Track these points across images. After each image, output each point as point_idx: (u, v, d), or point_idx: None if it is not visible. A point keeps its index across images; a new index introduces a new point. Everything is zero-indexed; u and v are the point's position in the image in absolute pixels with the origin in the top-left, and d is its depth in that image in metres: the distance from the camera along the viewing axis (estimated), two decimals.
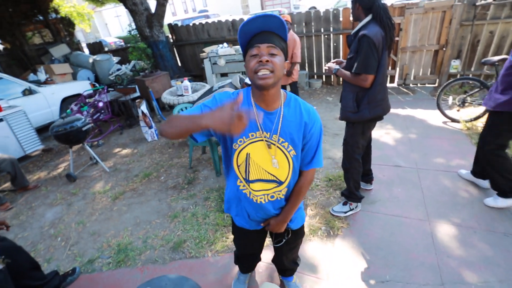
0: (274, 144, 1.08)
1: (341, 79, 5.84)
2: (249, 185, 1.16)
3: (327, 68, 2.20)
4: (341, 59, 2.25)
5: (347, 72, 2.01)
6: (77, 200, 3.17)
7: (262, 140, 1.08)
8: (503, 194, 2.21)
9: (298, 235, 1.48)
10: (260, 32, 0.96)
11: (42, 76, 6.03)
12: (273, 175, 1.15)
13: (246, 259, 1.70)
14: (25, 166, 4.22)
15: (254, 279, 1.93)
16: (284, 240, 1.39)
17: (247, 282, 1.87)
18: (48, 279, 1.91)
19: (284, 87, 4.61)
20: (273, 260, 1.74)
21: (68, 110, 4.23)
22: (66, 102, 5.40)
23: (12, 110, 3.98)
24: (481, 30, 4.48)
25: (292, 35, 3.95)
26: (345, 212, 2.37)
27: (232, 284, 1.87)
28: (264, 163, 1.12)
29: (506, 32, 4.35)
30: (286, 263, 1.63)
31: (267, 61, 0.93)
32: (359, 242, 2.12)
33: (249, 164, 1.12)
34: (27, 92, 4.89)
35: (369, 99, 1.97)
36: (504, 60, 3.40)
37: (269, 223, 1.29)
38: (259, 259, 1.78)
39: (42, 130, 5.21)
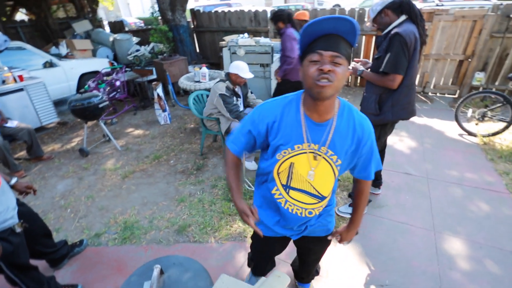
0: (321, 155, 1.00)
1: (358, 80, 5.78)
2: (288, 192, 1.09)
3: (351, 68, 2.17)
4: (366, 59, 2.21)
5: (373, 74, 1.97)
6: (88, 175, 3.25)
7: (307, 152, 1.00)
8: None
9: (326, 242, 1.37)
10: (326, 35, 0.84)
11: (63, 50, 6.12)
12: (316, 189, 1.07)
13: (261, 264, 1.61)
14: (41, 137, 4.33)
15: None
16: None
17: None
18: (58, 248, 1.98)
19: (299, 83, 4.55)
20: (293, 265, 1.67)
21: (86, 86, 4.30)
22: (84, 78, 5.49)
23: (33, 81, 4.07)
24: None
25: None
26: (351, 214, 2.37)
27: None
28: (306, 174, 1.05)
29: None
30: (309, 272, 1.60)
31: (329, 70, 0.83)
32: (361, 245, 2.13)
33: (292, 172, 1.05)
34: (48, 65, 4.98)
35: (393, 102, 1.93)
36: None
37: (339, 235, 1.28)
38: (274, 265, 1.71)
39: (58, 104, 5.32)
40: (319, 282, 1.86)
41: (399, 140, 3.59)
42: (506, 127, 3.44)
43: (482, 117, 3.70)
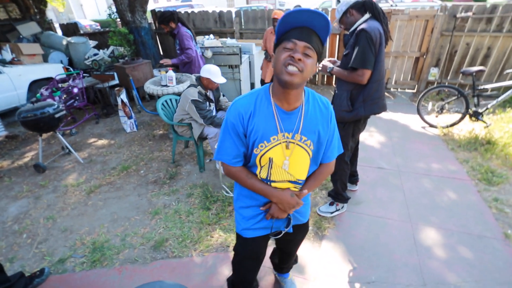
0: (294, 143, 1.04)
1: (325, 77, 5.93)
2: (270, 185, 1.15)
3: (321, 66, 2.18)
4: (335, 58, 2.24)
5: (343, 70, 1.99)
6: (47, 193, 2.93)
7: (281, 142, 1.05)
8: None
9: (306, 229, 1.47)
10: (301, 27, 0.89)
11: (7, 55, 5.49)
12: (293, 176, 1.13)
13: (247, 279, 1.50)
14: None
15: None
16: (283, 232, 1.28)
17: None
18: (12, 282, 1.72)
19: (264, 82, 4.54)
20: (273, 258, 1.74)
21: (38, 95, 3.88)
22: (35, 85, 4.98)
23: None
24: (459, 41, 4.70)
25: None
26: (332, 213, 2.38)
27: None
28: (282, 165, 1.10)
29: (481, 45, 4.60)
30: (289, 262, 1.66)
31: (300, 59, 0.88)
32: (345, 243, 2.14)
33: (271, 167, 1.09)
34: None
35: (364, 97, 1.97)
36: (481, 71, 3.59)
37: (271, 207, 1.19)
38: (257, 283, 1.76)
39: (5, 115, 4.77)
40: (307, 286, 1.83)
41: (369, 136, 3.72)
42: (462, 118, 3.72)
43: (441, 110, 3.97)
